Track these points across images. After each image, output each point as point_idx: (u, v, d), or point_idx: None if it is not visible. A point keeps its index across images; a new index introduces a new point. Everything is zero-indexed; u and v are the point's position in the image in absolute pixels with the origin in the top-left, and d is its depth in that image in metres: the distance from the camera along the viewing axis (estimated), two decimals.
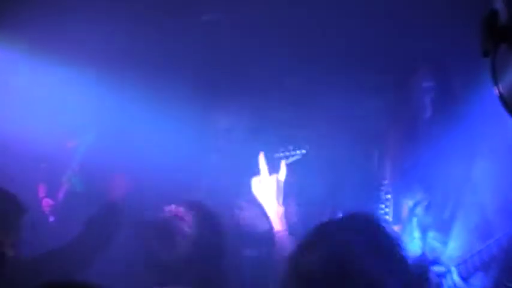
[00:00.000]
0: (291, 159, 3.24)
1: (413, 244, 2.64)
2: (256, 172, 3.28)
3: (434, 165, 2.57)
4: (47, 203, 4.26)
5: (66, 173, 4.24)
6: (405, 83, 2.66)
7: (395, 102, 2.77)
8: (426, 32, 3.59)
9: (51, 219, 4.23)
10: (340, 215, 4.26)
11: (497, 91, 1.18)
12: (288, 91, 5.23)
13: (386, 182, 2.80)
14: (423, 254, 2.56)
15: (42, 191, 4.35)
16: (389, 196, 2.77)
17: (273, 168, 3.23)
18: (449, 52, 3.00)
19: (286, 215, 3.32)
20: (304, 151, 3.20)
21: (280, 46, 4.48)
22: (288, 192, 3.38)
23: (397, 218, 2.75)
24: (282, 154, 3.24)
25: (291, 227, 3.23)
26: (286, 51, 4.58)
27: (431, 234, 2.57)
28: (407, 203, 2.68)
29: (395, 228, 2.74)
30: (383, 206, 2.81)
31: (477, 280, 2.49)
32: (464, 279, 2.47)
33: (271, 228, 3.21)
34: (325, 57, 4.61)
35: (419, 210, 2.66)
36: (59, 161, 4.32)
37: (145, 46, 4.25)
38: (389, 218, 2.78)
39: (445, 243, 2.53)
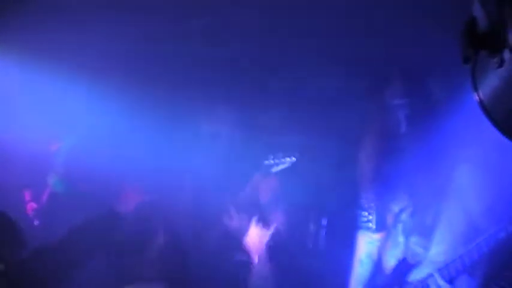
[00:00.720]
0: (280, 167, 3.24)
1: (398, 249, 2.64)
2: (242, 177, 3.28)
3: (417, 171, 2.58)
4: (31, 207, 4.23)
5: (49, 175, 4.21)
6: (379, 96, 2.67)
7: (373, 111, 2.78)
8: (409, 37, 3.62)
9: (36, 222, 4.20)
10: (325, 221, 4.31)
11: (477, 97, 1.19)
12: (274, 95, 5.24)
13: (369, 189, 2.80)
14: (404, 259, 2.57)
15: (28, 196, 4.33)
16: (372, 204, 2.77)
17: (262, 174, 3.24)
18: (431, 57, 3.03)
19: (273, 220, 3.33)
20: (294, 159, 3.21)
21: (268, 50, 4.50)
22: (275, 198, 3.39)
23: (381, 225, 2.75)
24: (271, 161, 3.25)
25: (277, 232, 3.24)
26: (274, 55, 4.60)
27: (413, 239, 2.58)
28: (392, 209, 2.68)
29: (379, 235, 2.74)
30: (366, 213, 2.81)
31: (462, 283, 2.50)
32: (448, 282, 2.48)
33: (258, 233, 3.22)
34: (312, 61, 4.62)
35: (404, 216, 2.66)
36: (42, 164, 4.29)
37: (133, 49, 4.24)
38: (372, 225, 2.78)
39: (426, 248, 2.54)
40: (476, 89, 1.19)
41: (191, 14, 4.08)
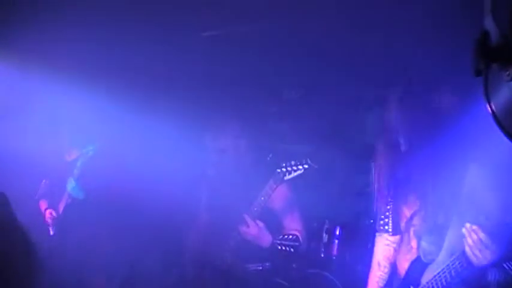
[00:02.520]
0: (293, 174, 3.24)
1: (411, 253, 2.64)
2: (255, 187, 3.29)
3: (429, 173, 2.58)
4: (50, 214, 4.28)
5: (67, 183, 4.26)
6: (391, 102, 2.67)
7: (385, 117, 2.78)
8: (422, 46, 3.64)
9: (53, 230, 4.25)
10: (338, 229, 4.31)
11: (489, 109, 1.20)
12: (286, 106, 5.27)
13: (385, 193, 2.80)
14: (418, 258, 2.57)
15: (43, 205, 4.38)
16: (389, 207, 2.77)
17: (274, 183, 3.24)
18: (443, 64, 3.04)
19: (291, 229, 3.33)
20: (306, 166, 3.20)
21: (279, 61, 4.52)
22: (291, 207, 3.41)
23: (397, 228, 2.75)
24: (284, 169, 3.25)
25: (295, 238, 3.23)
26: (284, 66, 4.63)
27: (426, 238, 2.58)
28: (405, 214, 2.69)
29: (395, 238, 2.74)
30: (382, 216, 2.81)
31: None
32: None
33: (275, 240, 3.22)
34: (323, 71, 4.64)
35: (416, 220, 2.66)
36: (59, 174, 4.35)
37: (146, 62, 4.27)
38: (388, 228, 2.78)
39: (439, 246, 2.53)
40: (488, 101, 1.21)
41: (203, 26, 4.11)
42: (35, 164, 4.25)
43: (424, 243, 2.57)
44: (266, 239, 3.26)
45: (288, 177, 3.23)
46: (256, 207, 3.26)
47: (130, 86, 4.36)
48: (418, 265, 2.58)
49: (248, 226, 3.25)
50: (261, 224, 3.25)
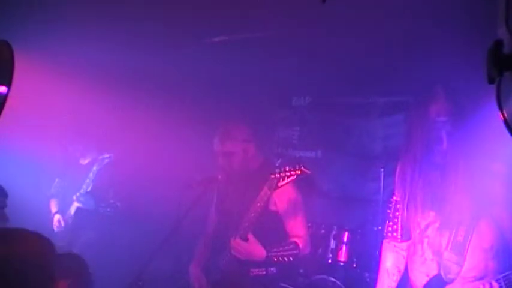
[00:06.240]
0: (286, 180, 3.19)
1: (426, 265, 2.62)
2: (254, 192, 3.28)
3: (447, 185, 2.56)
4: (58, 222, 4.31)
5: (78, 190, 4.29)
6: (420, 113, 2.62)
7: (409, 127, 2.73)
8: (438, 55, 3.65)
9: (61, 234, 4.28)
10: (346, 235, 4.32)
11: (502, 116, 1.22)
12: (295, 112, 5.29)
13: (394, 199, 2.78)
14: (439, 275, 2.54)
15: (53, 205, 4.42)
16: (398, 213, 2.74)
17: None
18: (463, 74, 3.04)
19: (293, 235, 3.31)
20: (298, 172, 3.15)
21: (289, 68, 4.55)
22: (295, 210, 3.39)
23: (406, 235, 2.73)
24: (278, 175, 3.20)
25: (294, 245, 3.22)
26: (294, 72, 4.65)
27: (446, 254, 2.55)
28: (418, 223, 2.67)
29: (404, 245, 2.74)
30: (391, 223, 2.79)
31: None
32: None
33: (270, 253, 3.19)
34: (333, 78, 4.66)
35: (430, 231, 2.64)
36: (72, 176, 4.39)
37: (157, 66, 4.31)
38: (397, 235, 2.76)
39: (460, 264, 2.51)
40: (501, 108, 1.23)
41: (214, 32, 4.13)
42: (49, 163, 4.29)
43: (444, 260, 2.55)
44: (258, 254, 3.16)
45: (281, 183, 3.18)
46: (253, 213, 3.21)
47: (142, 91, 4.40)
48: (438, 283, 2.55)
49: (236, 246, 3.18)
50: (251, 239, 3.17)
